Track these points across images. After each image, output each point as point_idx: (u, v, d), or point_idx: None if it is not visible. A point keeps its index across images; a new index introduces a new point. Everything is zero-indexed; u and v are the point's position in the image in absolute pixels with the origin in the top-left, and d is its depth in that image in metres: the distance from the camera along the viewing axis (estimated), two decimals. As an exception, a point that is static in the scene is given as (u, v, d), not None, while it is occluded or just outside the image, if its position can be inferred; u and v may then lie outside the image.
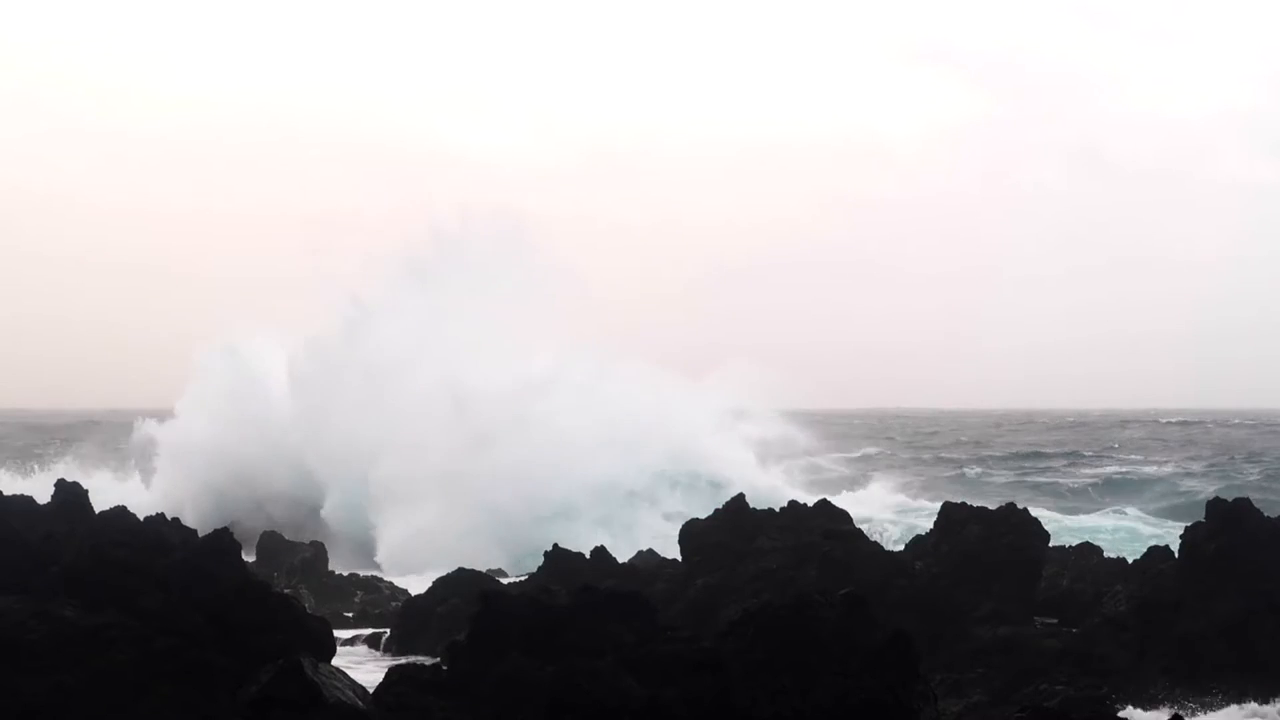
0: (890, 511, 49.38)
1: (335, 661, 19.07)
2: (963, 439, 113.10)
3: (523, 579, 30.39)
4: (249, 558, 26.30)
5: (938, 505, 28.42)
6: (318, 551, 35.18)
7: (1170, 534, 32.21)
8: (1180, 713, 19.61)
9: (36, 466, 63.53)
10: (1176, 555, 23.59)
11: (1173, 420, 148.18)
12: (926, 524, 30.30)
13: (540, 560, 30.03)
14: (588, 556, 29.47)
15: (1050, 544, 27.23)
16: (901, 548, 28.83)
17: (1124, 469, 74.94)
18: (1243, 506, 22.87)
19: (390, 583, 35.05)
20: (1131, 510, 53.14)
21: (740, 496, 29.15)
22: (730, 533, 28.18)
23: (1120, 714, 18.93)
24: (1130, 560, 27.00)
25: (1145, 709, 20.34)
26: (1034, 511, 27.59)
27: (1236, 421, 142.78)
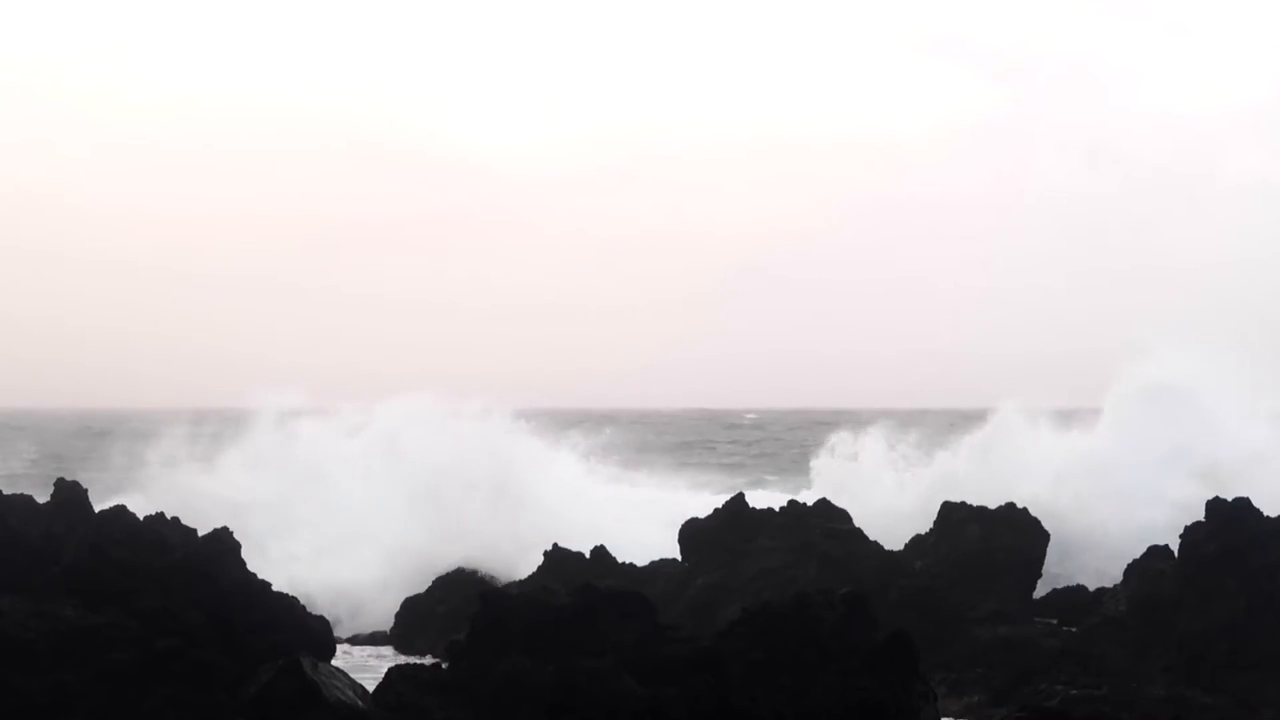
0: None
1: (335, 661, 19.08)
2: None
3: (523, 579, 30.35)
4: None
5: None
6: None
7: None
8: (1180, 713, 19.61)
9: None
10: (1176, 555, 23.57)
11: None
12: None
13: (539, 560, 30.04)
14: (587, 556, 29.47)
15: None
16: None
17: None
18: (1243, 506, 22.85)
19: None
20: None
21: (740, 496, 29.14)
22: (730, 532, 28.19)
23: (1120, 714, 18.92)
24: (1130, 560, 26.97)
25: (1145, 709, 20.31)
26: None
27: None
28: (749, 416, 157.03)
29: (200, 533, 21.08)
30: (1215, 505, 22.94)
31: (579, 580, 21.94)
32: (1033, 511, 27.38)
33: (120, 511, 20.46)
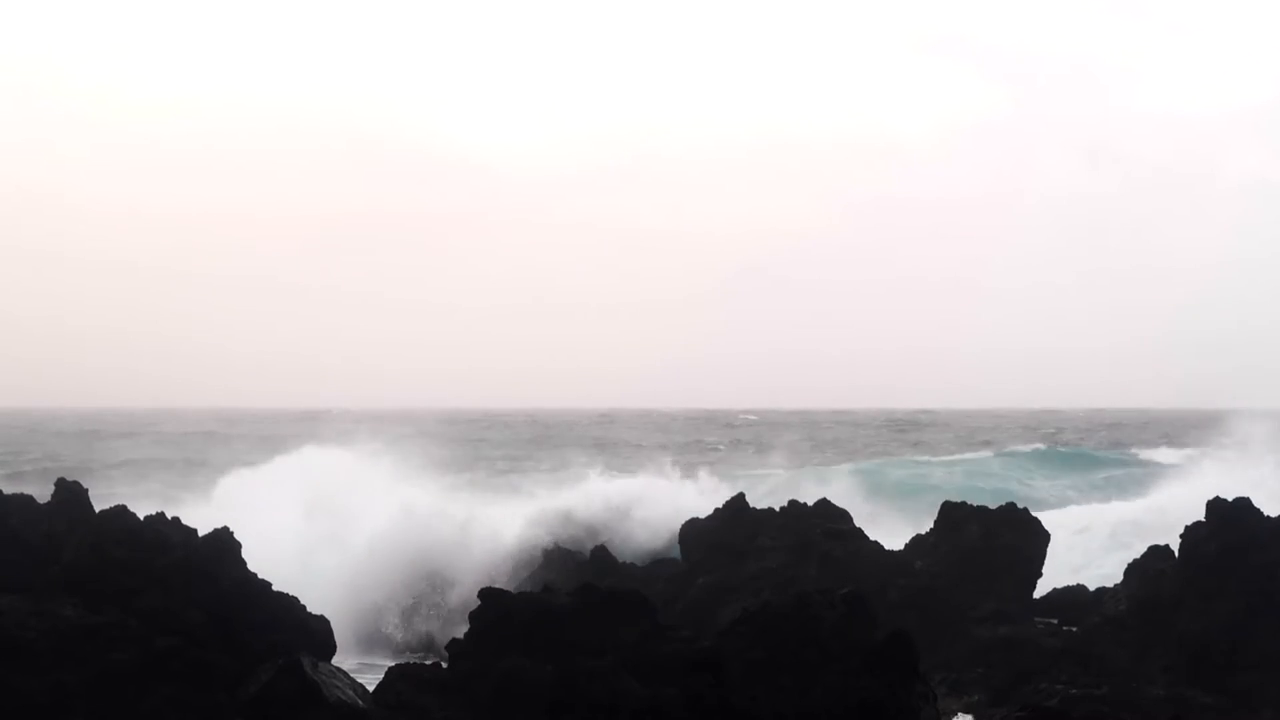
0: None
1: (335, 661, 19.08)
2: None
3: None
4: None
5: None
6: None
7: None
8: (1180, 713, 19.60)
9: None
10: (1176, 555, 23.58)
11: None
12: None
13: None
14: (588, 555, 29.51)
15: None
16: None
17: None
18: (1243, 506, 22.85)
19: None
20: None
21: (740, 496, 29.14)
22: (730, 532, 28.20)
23: (1120, 714, 18.92)
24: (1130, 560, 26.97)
25: (1145, 709, 20.31)
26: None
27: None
28: (749, 417, 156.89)
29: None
30: (1215, 505, 22.95)
31: (579, 580, 21.97)
32: None
33: (120, 511, 20.43)
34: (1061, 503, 46.10)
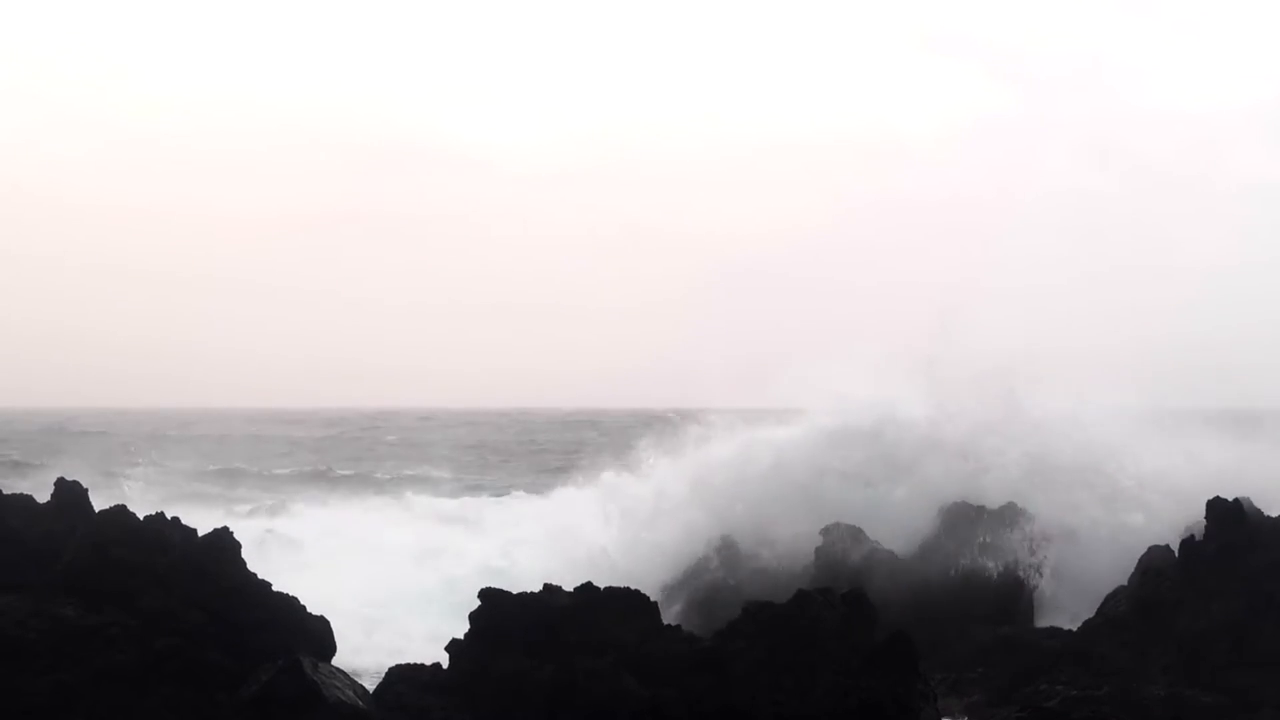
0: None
1: (335, 661, 19.07)
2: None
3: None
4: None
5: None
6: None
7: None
8: (1180, 713, 19.59)
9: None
10: (1176, 555, 23.57)
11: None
12: None
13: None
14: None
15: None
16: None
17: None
18: (1243, 506, 22.84)
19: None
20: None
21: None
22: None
23: (1120, 714, 18.92)
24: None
25: (1145, 709, 20.31)
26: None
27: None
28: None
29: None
30: (1215, 504, 22.93)
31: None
32: None
33: (120, 511, 20.41)
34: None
